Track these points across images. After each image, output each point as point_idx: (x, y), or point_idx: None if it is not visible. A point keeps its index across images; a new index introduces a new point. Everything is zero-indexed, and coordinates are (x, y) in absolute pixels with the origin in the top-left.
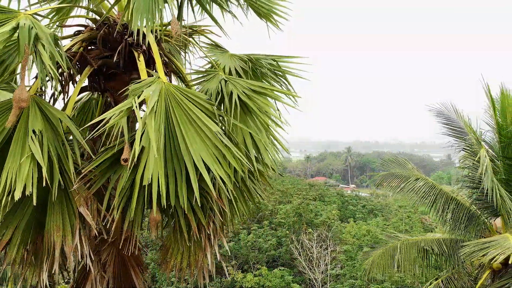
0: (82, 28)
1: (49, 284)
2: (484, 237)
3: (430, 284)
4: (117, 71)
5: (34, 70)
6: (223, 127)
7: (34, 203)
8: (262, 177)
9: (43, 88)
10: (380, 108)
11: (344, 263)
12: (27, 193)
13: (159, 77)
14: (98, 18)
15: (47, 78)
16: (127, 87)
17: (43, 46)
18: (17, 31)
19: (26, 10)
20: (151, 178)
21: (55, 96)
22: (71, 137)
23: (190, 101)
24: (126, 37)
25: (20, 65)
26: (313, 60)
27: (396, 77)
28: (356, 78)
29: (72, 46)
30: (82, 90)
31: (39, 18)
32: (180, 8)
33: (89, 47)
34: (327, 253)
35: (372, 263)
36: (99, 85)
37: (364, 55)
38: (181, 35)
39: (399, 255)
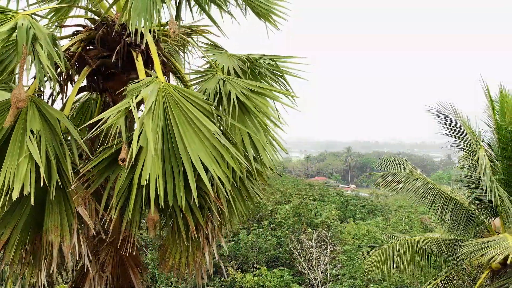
0: (81, 28)
1: (48, 284)
2: (483, 237)
3: (429, 284)
4: (115, 71)
5: (33, 70)
6: (221, 127)
7: (32, 202)
8: (260, 177)
9: (41, 88)
10: (380, 108)
11: (344, 263)
12: (25, 193)
13: (157, 77)
14: (96, 18)
15: (45, 78)
16: (125, 87)
17: (41, 46)
18: (15, 31)
19: (24, 10)
20: (149, 178)
21: (54, 96)
22: (69, 137)
23: (188, 101)
24: (124, 37)
25: (18, 65)
26: (312, 60)
27: (396, 77)
28: (355, 78)
29: (71, 46)
30: (81, 90)
31: (38, 18)
32: (178, 8)
33: (88, 47)
34: (326, 253)
35: (371, 263)
36: (97, 85)
37: (363, 55)
38: (179, 35)
39: (398, 255)
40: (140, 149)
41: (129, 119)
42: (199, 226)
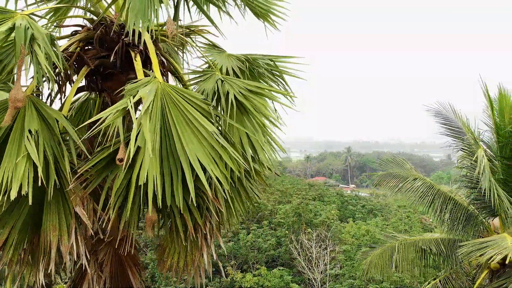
0: (79, 28)
1: (47, 283)
2: (482, 237)
3: (428, 284)
4: (114, 71)
5: (32, 70)
6: (220, 127)
7: (30, 202)
8: (259, 177)
9: (39, 88)
10: (380, 108)
11: (343, 263)
12: (23, 192)
13: (155, 77)
14: (95, 18)
15: (44, 78)
16: (123, 87)
17: (39, 46)
18: (14, 31)
19: (22, 10)
20: (147, 178)
21: (52, 97)
22: (68, 137)
23: (186, 101)
24: (123, 37)
25: (16, 65)
26: (311, 60)
27: (396, 77)
28: (355, 78)
29: (69, 46)
30: (80, 90)
31: (37, 18)
32: (176, 8)
33: (86, 47)
34: (326, 253)
35: (370, 263)
36: (96, 85)
37: (362, 55)
38: (178, 35)
39: (397, 255)
40: (138, 149)
41: (127, 119)
42: (197, 226)
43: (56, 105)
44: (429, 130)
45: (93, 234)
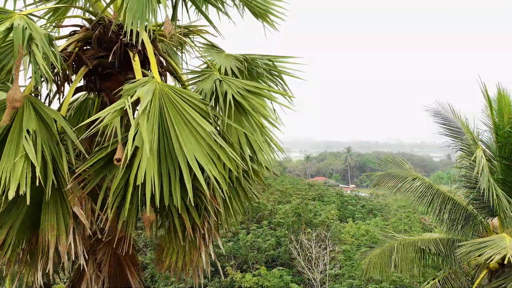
0: (78, 28)
1: (46, 283)
2: (481, 237)
3: (427, 284)
4: (112, 71)
5: (31, 70)
6: (218, 127)
7: (28, 202)
8: (257, 177)
9: (38, 88)
10: (380, 108)
11: (343, 263)
12: (21, 192)
13: (153, 77)
14: (94, 18)
15: (42, 79)
16: (122, 87)
17: (37, 46)
18: (12, 31)
19: (21, 10)
20: (145, 178)
21: (50, 97)
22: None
23: (184, 101)
24: (121, 37)
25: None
26: (310, 60)
27: (395, 77)
28: (354, 78)
29: (68, 46)
30: (78, 90)
31: (35, 18)
32: (174, 8)
33: (85, 47)
34: (326, 253)
35: (369, 263)
36: (94, 85)
37: (362, 55)
38: (176, 35)
39: (396, 255)
40: (136, 149)
41: (125, 119)
42: (195, 226)
43: (55, 105)
44: (429, 130)
45: (91, 234)
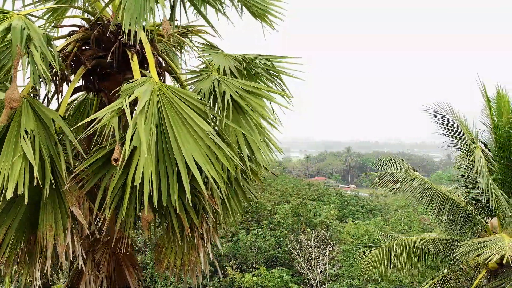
0: (76, 29)
1: (45, 283)
2: (480, 237)
3: (426, 283)
4: (111, 71)
5: (30, 70)
6: (216, 127)
7: (26, 202)
8: (256, 177)
9: (36, 88)
10: (380, 108)
11: (342, 263)
12: (18, 192)
13: (151, 77)
14: (92, 18)
15: (40, 79)
16: (120, 87)
17: (35, 46)
18: (10, 31)
19: (19, 11)
20: (143, 177)
21: (49, 97)
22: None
23: (182, 101)
24: (119, 37)
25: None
26: (309, 60)
27: (395, 77)
28: (353, 78)
29: (66, 46)
30: (77, 90)
31: (34, 19)
32: (172, 8)
33: (83, 47)
34: (325, 253)
35: (368, 263)
36: (93, 85)
37: (361, 55)
38: (174, 35)
39: (395, 255)
40: (134, 149)
41: (123, 119)
42: (193, 226)
43: (54, 105)
44: (429, 130)
45: (89, 234)
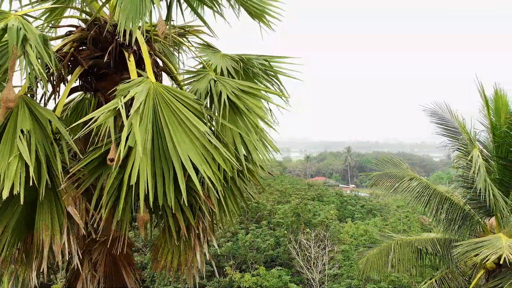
0: (73, 29)
1: (46, 284)
2: (478, 237)
3: (424, 283)
4: (108, 71)
5: (26, 71)
6: (212, 127)
7: (22, 202)
8: (252, 176)
9: (33, 88)
10: (380, 108)
11: (342, 263)
12: (14, 192)
13: (147, 77)
14: (89, 18)
15: (37, 79)
16: (117, 87)
17: (31, 46)
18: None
19: (16, 11)
20: (138, 177)
21: (45, 97)
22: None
23: (178, 101)
24: (116, 37)
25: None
26: (306, 60)
27: (394, 77)
28: (352, 78)
29: (63, 46)
30: (74, 90)
31: (32, 19)
32: (169, 9)
33: (80, 48)
34: (325, 253)
35: (367, 262)
36: (90, 85)
37: (359, 55)
38: (170, 35)
39: (393, 255)
40: (130, 149)
41: (120, 119)
42: (190, 226)
43: (51, 105)
44: (429, 130)
45: (86, 234)
